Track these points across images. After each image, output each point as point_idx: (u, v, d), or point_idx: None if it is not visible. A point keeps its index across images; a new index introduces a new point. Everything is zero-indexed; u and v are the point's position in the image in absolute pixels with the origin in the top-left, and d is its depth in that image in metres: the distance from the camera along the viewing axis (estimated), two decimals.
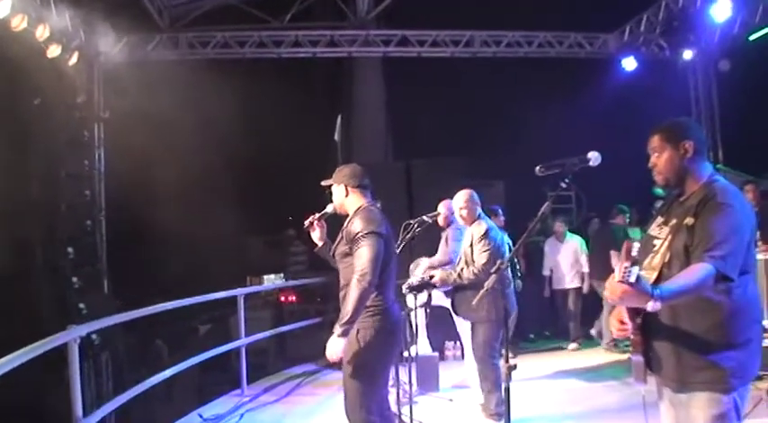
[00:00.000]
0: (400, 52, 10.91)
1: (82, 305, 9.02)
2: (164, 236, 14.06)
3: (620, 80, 11.13)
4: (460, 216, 6.09)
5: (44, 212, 9.32)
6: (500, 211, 9.38)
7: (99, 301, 9.47)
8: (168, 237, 14.29)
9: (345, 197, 4.19)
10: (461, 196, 6.08)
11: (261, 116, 13.54)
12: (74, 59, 8.92)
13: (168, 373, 6.53)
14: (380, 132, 13.11)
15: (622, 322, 2.79)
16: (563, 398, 6.71)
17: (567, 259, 9.37)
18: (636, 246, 2.41)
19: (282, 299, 12.70)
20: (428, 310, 7.23)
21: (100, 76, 10.05)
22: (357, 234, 3.91)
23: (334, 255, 4.17)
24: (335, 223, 4.32)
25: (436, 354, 7.68)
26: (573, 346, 9.18)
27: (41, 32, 8.11)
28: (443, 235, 7.28)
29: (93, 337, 9.06)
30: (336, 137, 14.39)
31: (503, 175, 10.46)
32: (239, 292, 7.77)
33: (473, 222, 5.98)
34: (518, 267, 9.24)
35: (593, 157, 2.96)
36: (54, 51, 8.41)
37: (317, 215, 4.37)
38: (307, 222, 4.38)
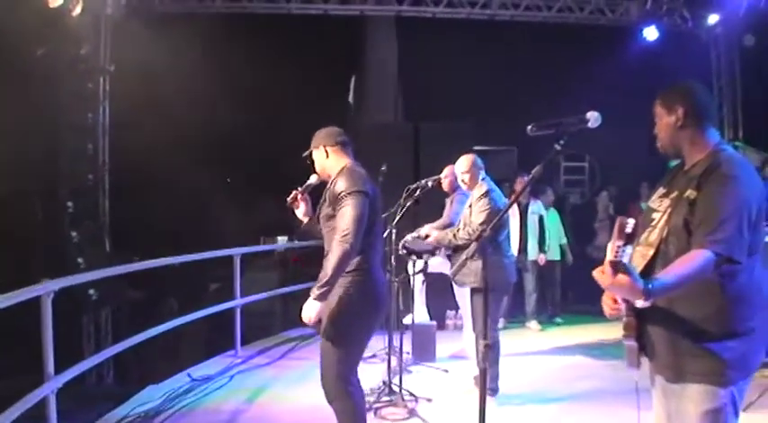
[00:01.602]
0: (415, 12, 10.52)
1: (80, 260, 8.91)
2: (173, 194, 13.96)
3: (641, 50, 10.75)
4: (462, 181, 5.87)
5: (44, 165, 9.17)
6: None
7: (99, 256, 9.33)
8: (179, 196, 14.19)
9: (326, 159, 3.98)
10: (464, 161, 5.84)
11: (273, 74, 13.30)
12: (77, 10, 8.65)
13: (155, 331, 6.48)
14: (392, 94, 12.81)
15: (615, 301, 2.55)
16: (560, 375, 6.53)
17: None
18: (630, 222, 2.19)
19: (294, 260, 12.64)
20: (424, 277, 7.05)
21: (107, 29, 9.78)
22: (340, 193, 3.70)
23: (318, 220, 3.93)
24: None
25: (434, 322, 7.50)
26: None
27: None
28: (448, 200, 7.09)
29: (91, 291, 8.99)
30: (350, 98, 14.13)
31: (516, 141, 10.18)
32: (236, 251, 7.60)
33: (474, 187, 5.75)
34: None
35: (593, 118, 2.69)
36: (56, 1, 8.15)
37: (300, 189, 4.10)
38: (289, 199, 4.09)
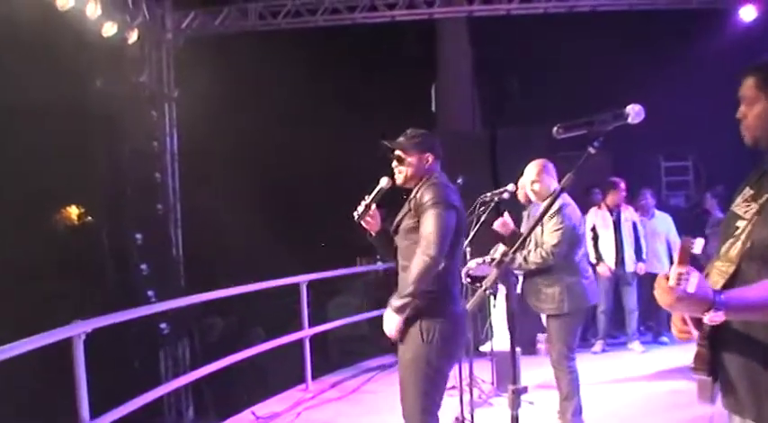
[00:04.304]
0: (487, 11, 9.73)
1: (150, 293, 8.65)
2: (258, 218, 13.76)
3: (738, 33, 9.57)
4: (532, 190, 5.15)
5: (110, 195, 9.03)
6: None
7: (173, 289, 9.06)
8: (267, 218, 13.98)
9: (425, 167, 3.58)
10: (533, 168, 5.12)
11: (350, 88, 12.99)
12: (133, 38, 8.45)
13: (220, 363, 6.16)
14: (467, 101, 12.13)
15: (685, 322, 2.04)
16: (660, 402, 5.81)
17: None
18: (699, 242, 1.75)
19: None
20: (495, 299, 6.36)
21: (169, 54, 9.60)
22: (426, 202, 3.37)
23: (396, 231, 3.56)
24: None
25: (518, 349, 6.73)
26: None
27: (92, 11, 7.61)
28: (525, 213, 6.37)
29: (162, 326, 8.75)
30: (433, 107, 13.61)
31: (607, 145, 9.29)
32: (302, 279, 7.13)
33: (547, 198, 5.00)
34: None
35: (633, 112, 2.25)
36: (109, 30, 7.96)
37: (369, 198, 3.60)
38: (360, 210, 3.59)
